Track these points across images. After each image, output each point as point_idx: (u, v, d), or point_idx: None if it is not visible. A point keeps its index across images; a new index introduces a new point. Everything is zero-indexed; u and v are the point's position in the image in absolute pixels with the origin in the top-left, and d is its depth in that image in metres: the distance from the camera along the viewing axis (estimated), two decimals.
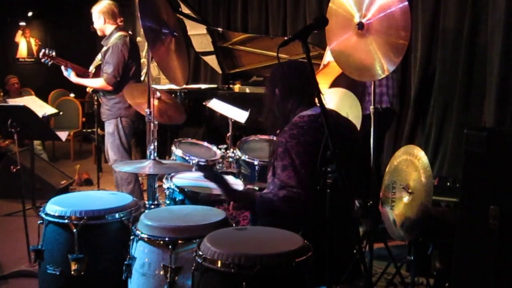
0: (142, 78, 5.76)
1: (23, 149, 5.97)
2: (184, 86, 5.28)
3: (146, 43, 5.56)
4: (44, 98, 7.33)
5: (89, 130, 9.20)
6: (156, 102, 3.91)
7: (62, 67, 5.15)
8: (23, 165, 4.32)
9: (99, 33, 5.17)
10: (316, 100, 2.86)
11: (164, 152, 6.08)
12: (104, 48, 5.05)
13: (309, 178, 2.59)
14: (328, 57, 4.86)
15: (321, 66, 4.85)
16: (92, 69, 5.22)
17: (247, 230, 2.50)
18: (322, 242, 2.39)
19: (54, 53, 5.15)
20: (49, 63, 5.18)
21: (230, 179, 3.68)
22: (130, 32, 5.34)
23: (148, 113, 3.49)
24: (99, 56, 5.16)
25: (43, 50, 5.17)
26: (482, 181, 2.67)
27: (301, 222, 2.61)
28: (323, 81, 4.48)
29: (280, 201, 2.62)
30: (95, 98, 5.71)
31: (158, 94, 3.95)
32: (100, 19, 5.08)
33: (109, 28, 5.08)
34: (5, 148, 6.87)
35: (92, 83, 5.14)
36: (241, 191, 2.87)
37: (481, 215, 2.61)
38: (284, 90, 2.83)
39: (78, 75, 5.17)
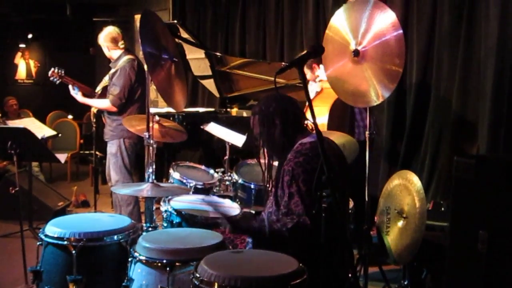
0: None
1: (20, 170, 6.00)
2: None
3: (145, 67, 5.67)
4: (42, 120, 7.39)
5: (87, 152, 9.24)
6: (156, 125, 3.97)
7: (70, 86, 5.24)
8: (20, 186, 4.34)
9: (109, 57, 5.27)
10: (309, 127, 2.95)
11: (161, 174, 6.12)
12: (112, 70, 5.14)
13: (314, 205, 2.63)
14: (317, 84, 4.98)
15: (314, 93, 4.93)
16: (98, 89, 5.31)
17: (243, 253, 2.54)
18: (317, 265, 2.43)
19: (63, 72, 5.24)
20: (57, 81, 5.27)
21: (227, 202, 3.73)
22: None
23: (147, 136, 3.54)
24: (106, 78, 5.24)
25: (52, 69, 5.26)
26: (471, 206, 2.73)
27: (307, 250, 2.65)
28: (322, 104, 4.56)
29: (289, 231, 2.62)
30: (94, 120, 5.78)
31: (157, 117, 4.01)
32: (104, 48, 5.21)
33: (115, 53, 5.18)
34: (2, 169, 6.89)
35: (97, 104, 5.23)
36: (248, 225, 2.87)
37: (470, 240, 2.67)
38: (284, 120, 2.87)
39: (85, 95, 5.26)
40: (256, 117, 2.92)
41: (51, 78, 5.30)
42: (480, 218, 2.66)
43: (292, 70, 2.53)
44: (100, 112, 5.38)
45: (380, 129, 5.54)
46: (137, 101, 5.17)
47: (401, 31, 3.42)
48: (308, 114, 2.55)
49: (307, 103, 2.50)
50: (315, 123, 2.42)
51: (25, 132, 4.36)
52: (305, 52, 2.49)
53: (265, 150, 3.00)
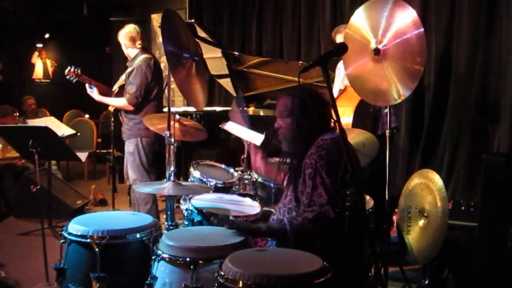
0: None
1: (40, 169, 6.05)
2: None
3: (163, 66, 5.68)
4: (59, 119, 7.44)
5: (104, 151, 9.29)
6: (176, 124, 3.99)
7: (86, 85, 5.26)
8: (40, 185, 4.38)
9: (127, 56, 5.30)
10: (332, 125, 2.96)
11: (178, 173, 6.13)
12: (129, 69, 5.17)
13: (338, 197, 2.63)
14: (338, 84, 4.95)
15: (338, 91, 4.92)
16: (115, 88, 5.33)
17: (267, 251, 2.54)
18: (340, 263, 2.44)
19: (79, 71, 5.27)
20: (74, 80, 5.30)
21: (247, 201, 3.73)
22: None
23: (168, 135, 3.55)
24: (123, 76, 5.27)
25: (69, 68, 5.28)
26: (500, 204, 2.72)
27: (332, 241, 2.65)
28: (347, 104, 4.53)
29: (311, 223, 2.64)
30: (112, 119, 5.81)
31: (178, 116, 4.03)
32: (123, 46, 5.24)
33: (132, 51, 5.21)
34: (20, 166, 6.94)
35: (114, 102, 5.25)
36: (267, 227, 2.89)
37: (500, 238, 2.66)
38: (317, 114, 2.89)
39: (101, 93, 5.28)
40: (295, 99, 2.92)
41: (68, 77, 5.33)
42: (509, 216, 2.66)
43: (312, 69, 2.53)
44: (117, 111, 5.40)
45: (398, 128, 5.52)
46: (154, 99, 5.19)
47: (422, 29, 3.40)
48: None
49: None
50: (339, 122, 2.42)
51: (46, 131, 4.40)
52: (329, 50, 2.50)
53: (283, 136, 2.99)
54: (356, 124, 4.47)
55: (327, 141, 2.79)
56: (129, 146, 5.18)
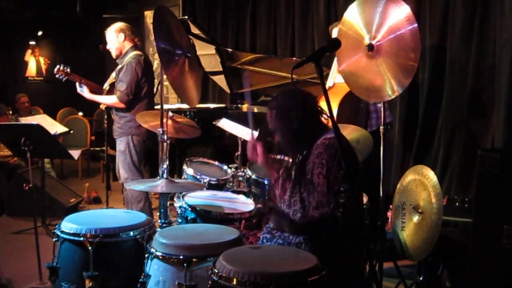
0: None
1: (33, 167, 6.02)
2: None
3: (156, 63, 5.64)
4: (53, 117, 7.39)
5: (97, 149, 9.25)
6: (169, 121, 3.96)
7: (77, 83, 5.21)
8: (33, 183, 4.36)
9: (116, 52, 5.21)
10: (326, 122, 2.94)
11: (172, 170, 6.11)
12: (119, 66, 5.12)
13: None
14: (331, 79, 4.93)
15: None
16: (106, 86, 5.28)
17: (261, 249, 2.53)
18: (335, 261, 2.43)
19: (69, 69, 5.21)
20: (64, 79, 5.24)
21: (241, 198, 3.72)
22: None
23: (161, 132, 3.53)
24: (113, 74, 5.22)
25: (58, 66, 5.22)
26: (495, 201, 2.72)
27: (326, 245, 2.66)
28: (332, 99, 4.51)
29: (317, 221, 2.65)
30: (105, 116, 5.77)
31: (171, 113, 4.00)
32: (120, 37, 5.13)
33: (126, 46, 5.14)
34: (13, 164, 6.91)
35: (105, 100, 5.20)
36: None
37: (494, 235, 2.65)
38: (301, 115, 2.84)
39: (92, 91, 5.23)
40: (273, 111, 2.89)
41: (57, 76, 5.27)
42: (505, 212, 2.65)
43: (305, 66, 2.52)
44: (109, 109, 5.37)
45: (392, 124, 5.51)
46: (145, 97, 5.15)
47: (416, 25, 3.38)
48: (324, 106, 2.54)
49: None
50: (332, 117, 2.41)
51: (39, 129, 4.37)
52: (322, 46, 2.48)
53: (279, 145, 2.97)
54: (341, 118, 4.45)
55: (332, 140, 2.75)
56: (120, 145, 5.14)
